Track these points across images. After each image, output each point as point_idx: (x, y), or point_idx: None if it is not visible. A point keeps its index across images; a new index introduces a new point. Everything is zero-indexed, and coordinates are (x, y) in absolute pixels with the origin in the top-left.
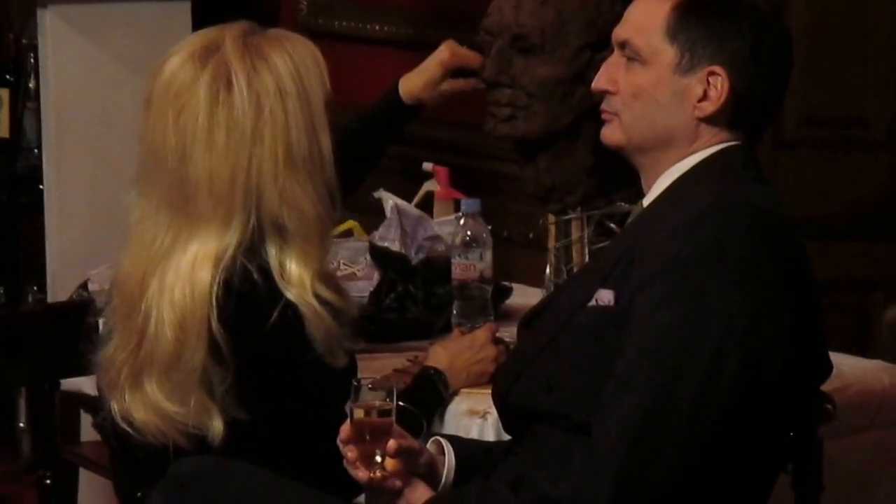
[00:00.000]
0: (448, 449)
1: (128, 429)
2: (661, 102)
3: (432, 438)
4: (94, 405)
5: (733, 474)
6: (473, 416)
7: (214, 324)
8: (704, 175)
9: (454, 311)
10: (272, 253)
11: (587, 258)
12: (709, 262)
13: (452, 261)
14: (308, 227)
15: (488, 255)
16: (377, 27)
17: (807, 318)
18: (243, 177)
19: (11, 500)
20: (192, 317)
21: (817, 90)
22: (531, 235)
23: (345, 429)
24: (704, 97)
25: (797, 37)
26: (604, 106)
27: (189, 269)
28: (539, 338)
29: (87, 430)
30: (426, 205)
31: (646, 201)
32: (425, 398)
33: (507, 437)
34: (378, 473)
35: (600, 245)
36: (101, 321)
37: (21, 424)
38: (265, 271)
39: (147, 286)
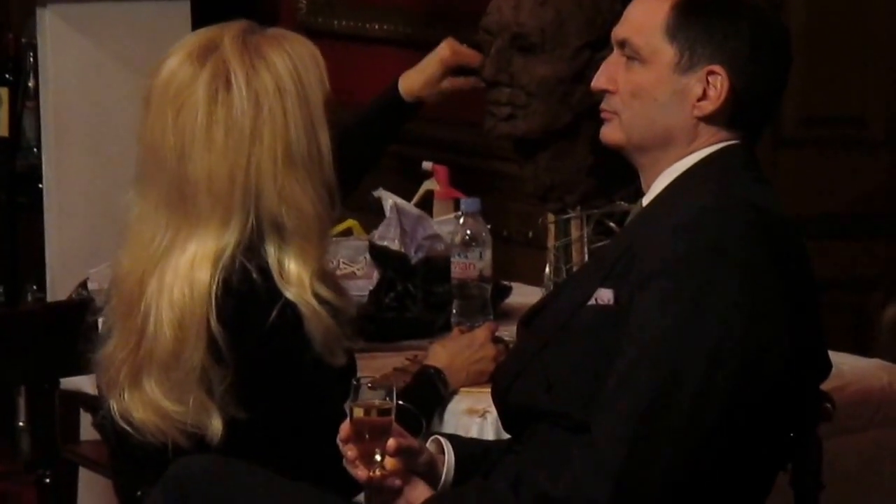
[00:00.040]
0: (447, 448)
1: (127, 428)
2: (660, 101)
3: (432, 437)
4: (94, 404)
5: (733, 473)
6: (473, 415)
7: (213, 323)
8: (704, 174)
9: (454, 310)
10: (271, 252)
11: (586, 257)
12: (709, 262)
13: (452, 260)
14: (307, 226)
15: (488, 254)
16: (376, 26)
17: (806, 318)
18: (242, 176)
19: (11, 499)
20: (191, 316)
21: (817, 89)
22: (531, 234)
23: (344, 428)
24: (704, 96)
25: (796, 36)
26: (603, 105)
27: (188, 269)
28: (538, 337)
29: (87, 429)
30: (426, 204)
31: (645, 200)
32: (425, 397)
33: (506, 435)
34: (377, 472)
35: (600, 244)
36: (100, 320)
37: (20, 423)
38: (264, 270)
39: (146, 285)
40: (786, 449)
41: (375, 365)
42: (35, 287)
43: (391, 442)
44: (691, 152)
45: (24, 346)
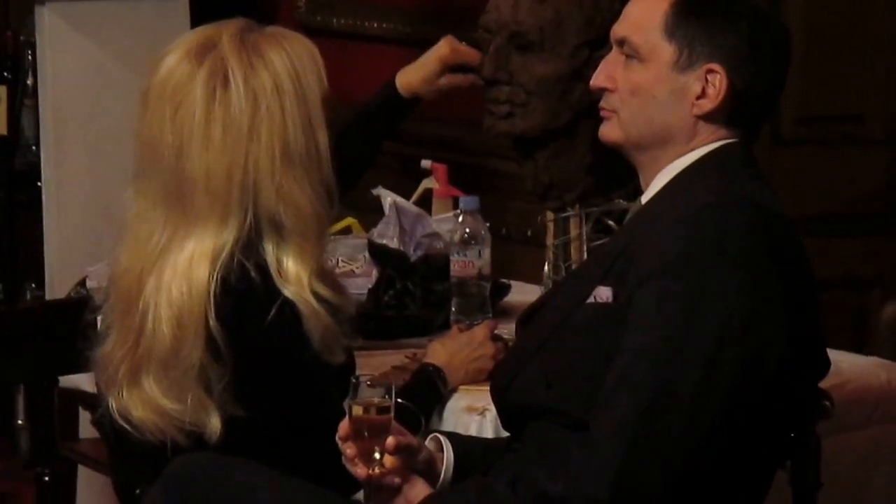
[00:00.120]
0: (447, 446)
1: (126, 426)
2: (659, 100)
3: (431, 435)
4: (93, 402)
5: (732, 471)
6: (472, 413)
7: (212, 321)
8: (702, 172)
9: (453, 309)
10: (269, 250)
11: (585, 255)
12: (708, 260)
13: (451, 258)
14: (305, 224)
15: (487, 253)
16: (375, 24)
17: (805, 316)
18: (240, 174)
19: (10, 497)
20: (189, 314)
21: (815, 88)
22: (530, 233)
23: (343, 426)
24: (702, 94)
25: (795, 35)
26: (602, 103)
27: (186, 267)
28: (537, 335)
29: (86, 427)
30: (425, 202)
31: (644, 198)
32: (424, 395)
33: (505, 433)
34: (377, 470)
35: (599, 242)
36: (99, 318)
37: (19, 421)
38: (262, 269)
39: (144, 283)
40: (784, 446)
41: (374, 363)
42: (34, 285)
43: (390, 440)
44: (690, 150)
45: (22, 345)
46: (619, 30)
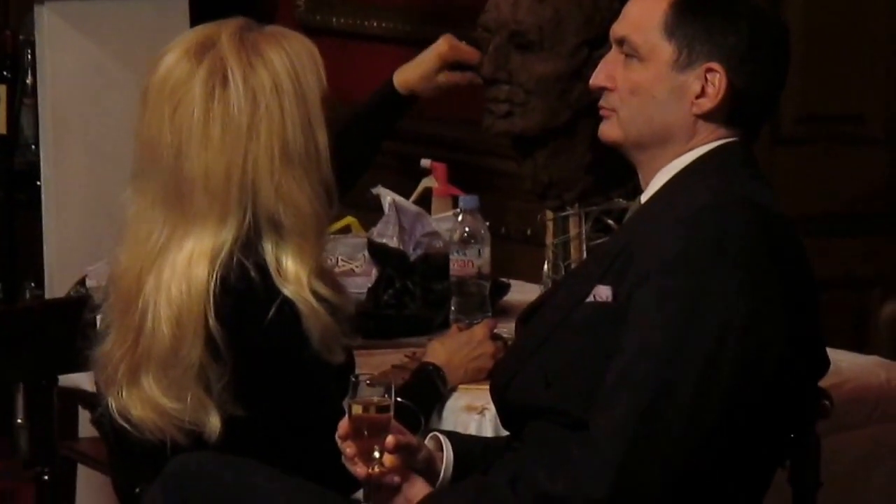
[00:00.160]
0: (446, 445)
1: (125, 425)
2: (658, 99)
3: (430, 434)
4: (92, 401)
5: (731, 470)
6: (471, 412)
7: (211, 320)
8: (702, 172)
9: (452, 308)
10: (268, 249)
11: (585, 254)
12: (708, 260)
13: (450, 257)
14: (304, 223)
15: (486, 252)
16: (375, 24)
17: (805, 315)
18: (238, 173)
19: (9, 496)
20: (188, 313)
21: (815, 88)
22: (529, 232)
23: (343, 425)
24: (702, 94)
25: (795, 34)
26: (601, 102)
27: (185, 266)
28: (537, 334)
29: (85, 427)
30: (424, 201)
31: (643, 197)
32: (423, 394)
33: (504, 432)
34: (376, 469)
35: (598, 241)
36: (98, 317)
37: (19, 421)
38: (262, 268)
39: (144, 283)
40: (784, 446)
41: (374, 362)
42: (33, 284)
43: (390, 439)
44: (689, 149)
45: (22, 344)
46: (618, 29)
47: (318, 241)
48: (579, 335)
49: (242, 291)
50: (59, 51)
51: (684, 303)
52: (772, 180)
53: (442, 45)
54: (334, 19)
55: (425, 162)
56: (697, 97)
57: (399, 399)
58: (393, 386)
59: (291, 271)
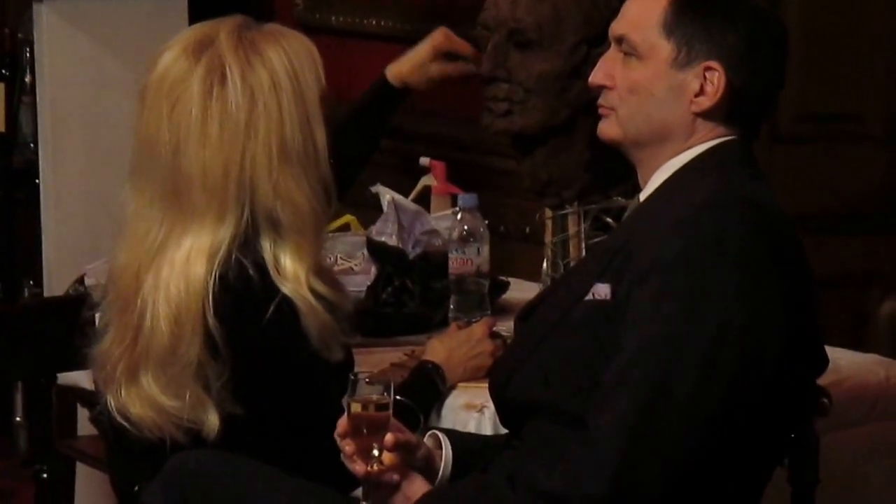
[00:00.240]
0: (445, 443)
1: (124, 423)
2: (657, 97)
3: (429, 432)
4: (91, 399)
5: (730, 468)
6: (470, 410)
7: (210, 318)
8: (701, 170)
9: (451, 306)
10: (266, 247)
11: (584, 253)
12: (707, 259)
13: (449, 255)
14: (302, 221)
15: (485, 250)
16: (374, 22)
17: (804, 313)
18: (237, 170)
19: (9, 495)
20: (187, 311)
21: (814, 86)
22: (528, 230)
23: (342, 423)
24: (701, 92)
25: (794, 32)
26: (600, 101)
27: (183, 264)
28: (536, 332)
29: (84, 425)
30: (423, 199)
31: (642, 196)
32: (422, 392)
33: (503, 430)
34: (375, 467)
35: (597, 239)
36: (97, 315)
37: (18, 419)
38: (260, 266)
39: (142, 281)
40: (783, 444)
41: (373, 360)
42: (32, 283)
43: (389, 437)
44: (688, 148)
45: (20, 342)
46: (617, 27)
47: (317, 240)
48: (578, 333)
49: (241, 289)
50: (58, 49)
51: (684, 302)
52: (771, 179)
53: (438, 36)
54: (333, 18)
55: (424, 160)
56: (696, 95)
57: (398, 397)
58: (392, 384)
59: (290, 269)
